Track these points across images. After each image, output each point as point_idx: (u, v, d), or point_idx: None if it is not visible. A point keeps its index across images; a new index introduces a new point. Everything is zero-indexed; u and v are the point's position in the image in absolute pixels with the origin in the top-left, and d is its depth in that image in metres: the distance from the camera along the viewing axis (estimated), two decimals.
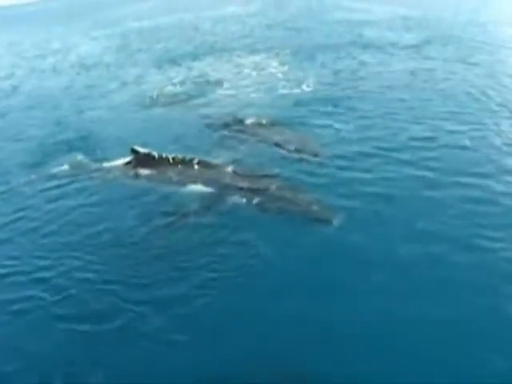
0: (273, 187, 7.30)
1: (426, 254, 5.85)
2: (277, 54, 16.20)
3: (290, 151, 8.76)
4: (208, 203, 7.27)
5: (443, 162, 7.88)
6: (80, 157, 9.65)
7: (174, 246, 6.51)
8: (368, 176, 7.66)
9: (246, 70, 14.80)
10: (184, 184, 7.85)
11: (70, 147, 10.38)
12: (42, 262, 6.57)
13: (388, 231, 6.36)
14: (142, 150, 8.68)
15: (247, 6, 30.53)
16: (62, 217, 7.66)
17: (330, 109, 10.77)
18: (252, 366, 4.68)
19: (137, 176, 8.50)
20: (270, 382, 4.57)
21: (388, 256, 5.88)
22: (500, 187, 7.03)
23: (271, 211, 6.85)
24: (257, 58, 16.02)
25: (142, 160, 8.61)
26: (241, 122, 10.35)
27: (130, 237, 6.82)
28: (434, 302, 5.16)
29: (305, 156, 8.49)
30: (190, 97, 13.02)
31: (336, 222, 6.42)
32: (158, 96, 13.42)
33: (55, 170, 9.20)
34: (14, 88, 17.21)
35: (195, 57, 17.37)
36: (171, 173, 8.18)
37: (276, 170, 7.99)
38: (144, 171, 8.52)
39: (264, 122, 10.21)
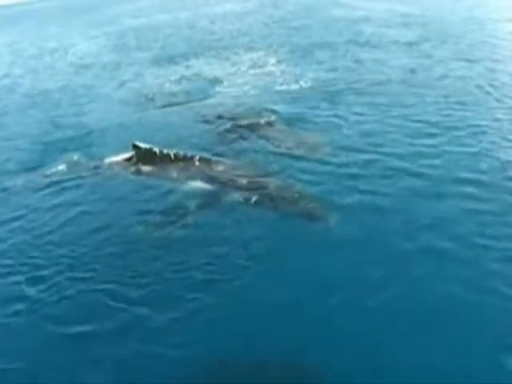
0: (272, 185, 7.33)
1: (424, 250, 5.85)
2: (275, 52, 16.18)
3: (288, 148, 8.77)
4: (208, 201, 7.29)
5: (442, 159, 7.89)
6: (79, 154, 9.63)
7: (173, 243, 6.52)
8: (366, 173, 7.67)
9: (244, 68, 14.78)
10: (185, 181, 7.87)
11: (67, 146, 10.36)
12: (40, 261, 6.54)
13: (385, 228, 6.37)
14: (143, 145, 8.66)
15: (244, 3, 30.48)
16: (60, 214, 7.65)
17: (328, 105, 10.78)
18: (252, 362, 4.70)
19: (138, 172, 8.48)
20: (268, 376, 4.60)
21: (384, 253, 5.91)
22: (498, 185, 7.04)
23: (270, 209, 6.88)
24: (255, 56, 15.99)
25: (143, 156, 8.59)
26: (239, 119, 10.35)
27: (129, 234, 6.82)
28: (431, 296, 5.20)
29: (304, 153, 8.51)
30: (188, 95, 13.00)
31: (333, 220, 6.44)
32: (155, 94, 13.39)
33: (53, 168, 9.19)
34: (11, 87, 17.14)
35: (193, 55, 17.33)
36: (172, 169, 8.17)
37: (275, 168, 8.01)
38: (145, 167, 8.50)
39: (263, 118, 10.22)
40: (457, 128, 8.99)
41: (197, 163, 8.17)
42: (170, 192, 7.72)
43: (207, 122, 10.60)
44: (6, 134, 12.19)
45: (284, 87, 12.42)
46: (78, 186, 8.42)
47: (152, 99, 13.04)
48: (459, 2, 22.44)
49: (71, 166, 9.19)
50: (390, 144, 8.57)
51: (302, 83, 12.44)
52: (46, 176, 8.96)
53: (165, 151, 8.43)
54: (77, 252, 6.60)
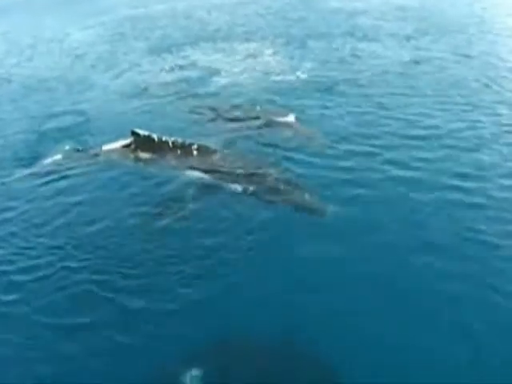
0: (268, 176, 7.38)
1: (421, 246, 5.96)
2: (271, 43, 16.14)
3: (285, 139, 8.81)
4: (205, 191, 7.34)
5: (438, 152, 7.97)
6: (76, 143, 9.64)
7: (170, 234, 6.57)
8: (362, 165, 7.74)
9: (241, 58, 14.75)
10: (183, 170, 7.90)
11: (64, 135, 10.34)
12: (34, 252, 6.56)
13: (380, 220, 6.47)
14: (142, 132, 8.67)
15: None
16: (56, 204, 7.67)
17: (324, 96, 10.84)
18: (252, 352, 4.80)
19: (136, 159, 8.50)
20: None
21: (378, 246, 6.00)
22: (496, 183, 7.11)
23: (267, 200, 6.94)
24: (251, 46, 15.94)
25: (141, 143, 8.60)
26: (235, 109, 10.37)
27: (125, 225, 6.85)
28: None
29: (300, 144, 8.58)
30: (184, 85, 12.97)
31: (329, 212, 6.50)
32: (152, 84, 13.33)
33: (51, 157, 9.17)
34: (6, 77, 16.97)
35: (189, 45, 17.22)
36: (170, 157, 8.21)
37: (271, 159, 8.04)
38: (144, 154, 8.53)
39: (259, 109, 10.22)
40: (453, 121, 9.07)
41: (195, 152, 8.20)
42: (167, 181, 7.75)
43: (203, 112, 10.60)
44: (0, 124, 12.10)
45: (280, 78, 12.43)
46: (75, 176, 8.42)
47: (148, 89, 12.99)
48: None
49: (69, 154, 9.19)
50: (385, 136, 8.64)
51: (298, 74, 12.45)
52: (44, 165, 8.95)
53: (163, 138, 8.46)
54: (71, 243, 6.61)
